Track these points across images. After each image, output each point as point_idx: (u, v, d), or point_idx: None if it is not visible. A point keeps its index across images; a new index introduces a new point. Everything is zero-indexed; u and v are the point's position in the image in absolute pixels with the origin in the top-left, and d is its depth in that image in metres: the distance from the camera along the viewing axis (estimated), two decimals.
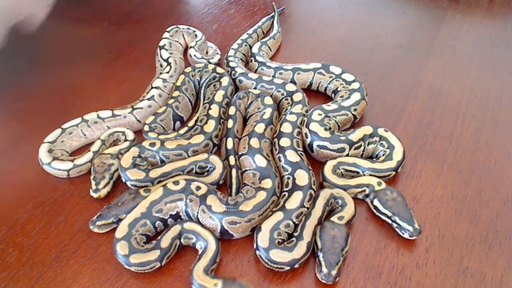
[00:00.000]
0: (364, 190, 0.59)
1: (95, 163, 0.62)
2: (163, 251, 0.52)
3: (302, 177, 0.58)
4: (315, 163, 0.65)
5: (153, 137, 0.66)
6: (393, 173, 0.61)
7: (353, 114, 0.69)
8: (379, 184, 0.59)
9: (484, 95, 0.77)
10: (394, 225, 0.56)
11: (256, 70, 0.80)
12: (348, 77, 0.75)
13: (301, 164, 0.60)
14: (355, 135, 0.64)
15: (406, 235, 0.55)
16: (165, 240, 0.53)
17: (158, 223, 0.55)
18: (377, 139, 0.64)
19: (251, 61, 0.82)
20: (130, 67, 0.86)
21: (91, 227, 0.56)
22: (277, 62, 0.81)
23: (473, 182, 0.62)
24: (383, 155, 0.63)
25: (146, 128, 0.68)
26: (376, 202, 0.57)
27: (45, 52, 0.91)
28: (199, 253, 0.53)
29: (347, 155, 0.63)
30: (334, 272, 0.49)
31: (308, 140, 0.64)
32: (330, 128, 0.65)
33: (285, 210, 0.55)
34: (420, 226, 0.54)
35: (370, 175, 0.61)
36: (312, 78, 0.77)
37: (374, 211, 0.58)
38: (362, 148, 0.64)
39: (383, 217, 0.57)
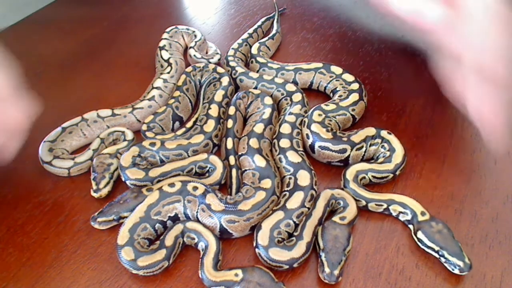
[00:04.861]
0: (406, 213, 0.57)
1: (94, 163, 0.62)
2: (168, 249, 0.52)
3: (304, 177, 0.58)
4: (316, 163, 0.65)
5: (150, 137, 0.66)
6: (391, 175, 0.61)
7: (351, 114, 0.69)
8: (422, 214, 0.55)
9: None
10: (442, 259, 0.52)
11: (258, 71, 0.80)
12: (348, 77, 0.75)
13: (303, 165, 0.60)
14: (357, 136, 0.64)
15: (456, 271, 0.51)
16: (169, 239, 0.53)
17: (157, 225, 0.55)
18: (379, 141, 0.64)
19: (251, 62, 0.82)
20: (130, 67, 0.86)
21: (91, 223, 0.56)
22: (278, 62, 0.81)
23: (473, 182, 0.62)
24: (383, 157, 0.63)
25: (144, 127, 0.68)
26: (420, 235, 0.54)
27: (44, 52, 0.91)
28: (201, 255, 0.53)
29: (349, 156, 0.63)
30: (336, 272, 0.49)
31: (310, 141, 0.64)
32: (331, 129, 0.65)
33: (286, 209, 0.55)
34: (470, 260, 0.50)
35: (373, 176, 0.61)
36: (313, 77, 0.77)
37: (419, 243, 0.54)
38: (363, 149, 0.64)
39: (429, 250, 0.53)
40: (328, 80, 0.76)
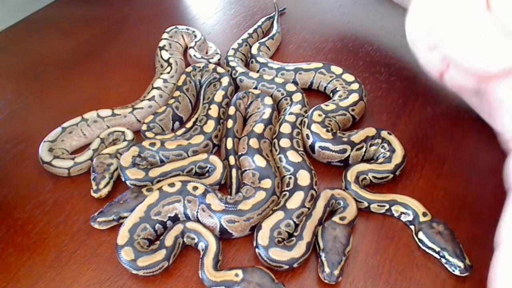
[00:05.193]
0: (407, 214, 0.57)
1: (94, 163, 0.62)
2: (168, 249, 0.52)
3: (304, 177, 0.58)
4: (316, 163, 0.65)
5: (150, 137, 0.66)
6: (391, 175, 0.61)
7: (351, 115, 0.69)
8: (424, 215, 0.55)
9: None
10: (443, 260, 0.52)
11: (258, 71, 0.80)
12: (348, 77, 0.75)
13: (303, 164, 0.60)
14: (357, 137, 0.64)
15: (456, 272, 0.51)
16: (169, 239, 0.53)
17: (157, 226, 0.55)
18: (379, 141, 0.64)
19: (251, 62, 0.82)
20: (130, 67, 0.86)
21: (91, 223, 0.56)
22: (278, 62, 0.80)
23: (473, 182, 0.62)
24: (383, 157, 0.63)
25: (144, 127, 0.68)
26: (421, 235, 0.54)
27: (44, 52, 0.91)
28: (201, 255, 0.53)
29: (349, 156, 0.63)
30: (336, 272, 0.49)
31: (310, 142, 0.64)
32: (332, 129, 0.65)
33: (286, 209, 0.55)
34: (471, 262, 0.51)
35: (373, 176, 0.61)
36: (313, 78, 0.77)
37: (420, 244, 0.54)
38: (363, 149, 0.64)
39: (430, 251, 0.53)
40: (328, 80, 0.76)
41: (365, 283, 0.51)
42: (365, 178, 0.61)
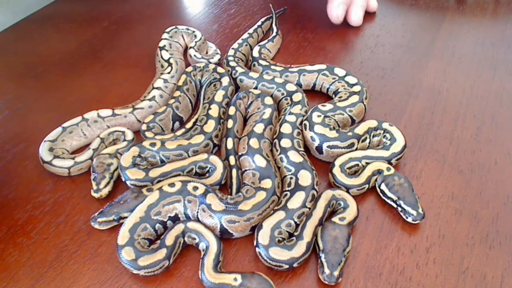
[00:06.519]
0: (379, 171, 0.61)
1: (94, 163, 0.62)
2: (169, 249, 0.52)
3: (306, 177, 0.58)
4: (317, 164, 0.65)
5: (149, 137, 0.66)
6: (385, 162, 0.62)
7: (349, 115, 0.69)
8: (388, 169, 0.60)
9: (484, 95, 0.77)
10: (399, 209, 0.57)
11: (262, 73, 0.80)
12: (351, 79, 0.75)
13: (305, 165, 0.60)
14: (360, 128, 0.65)
15: (409, 219, 0.56)
16: (170, 238, 0.53)
17: (158, 225, 0.55)
18: (381, 131, 0.66)
19: (254, 65, 0.82)
20: (130, 67, 0.86)
21: (92, 223, 0.56)
22: (281, 65, 0.80)
23: (473, 182, 0.62)
24: (383, 146, 0.64)
25: (144, 127, 0.68)
26: (383, 186, 0.59)
27: (45, 52, 0.91)
28: (201, 255, 0.53)
29: (356, 149, 0.64)
30: (336, 273, 0.49)
31: (316, 143, 0.64)
32: (334, 127, 0.65)
33: (287, 209, 0.55)
34: (424, 211, 0.56)
35: (366, 163, 0.62)
36: (316, 79, 0.77)
37: (381, 194, 0.60)
38: (367, 140, 0.65)
39: (388, 201, 0.59)
40: (330, 82, 0.76)
41: (365, 284, 0.51)
42: (357, 165, 0.62)
